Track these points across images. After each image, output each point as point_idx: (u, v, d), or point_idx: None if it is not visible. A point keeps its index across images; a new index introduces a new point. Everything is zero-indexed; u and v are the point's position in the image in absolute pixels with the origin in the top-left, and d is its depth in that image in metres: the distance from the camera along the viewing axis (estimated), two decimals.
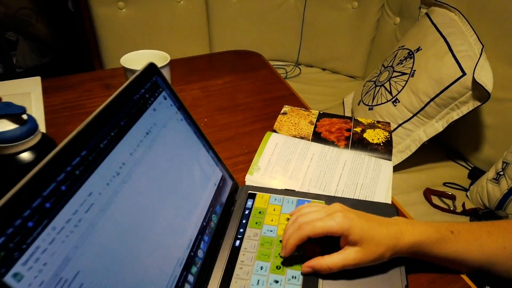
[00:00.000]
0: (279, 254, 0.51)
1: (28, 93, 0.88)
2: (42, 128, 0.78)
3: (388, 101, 1.17)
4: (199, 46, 1.74)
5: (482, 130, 1.17)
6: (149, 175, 0.44)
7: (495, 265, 0.50)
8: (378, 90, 1.23)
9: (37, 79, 0.94)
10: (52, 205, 0.32)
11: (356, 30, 1.67)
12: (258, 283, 0.49)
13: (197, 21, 1.69)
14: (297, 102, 0.92)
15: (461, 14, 1.13)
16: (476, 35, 1.06)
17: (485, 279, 0.53)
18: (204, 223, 0.52)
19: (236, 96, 0.93)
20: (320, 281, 0.48)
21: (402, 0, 1.47)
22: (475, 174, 1.16)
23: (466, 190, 1.13)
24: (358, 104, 1.32)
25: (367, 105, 1.25)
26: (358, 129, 0.76)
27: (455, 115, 1.06)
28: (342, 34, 1.70)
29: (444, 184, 1.15)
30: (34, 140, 0.44)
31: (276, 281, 0.49)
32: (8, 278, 0.28)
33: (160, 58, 0.81)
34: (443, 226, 0.50)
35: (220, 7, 1.69)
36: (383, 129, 0.77)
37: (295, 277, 0.49)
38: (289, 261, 0.51)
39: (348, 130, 0.76)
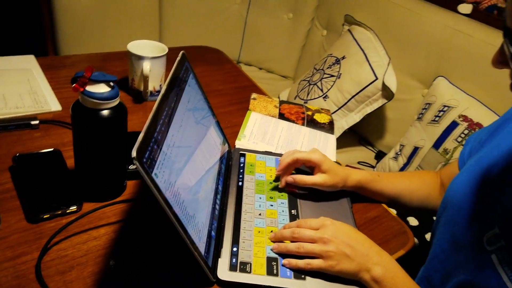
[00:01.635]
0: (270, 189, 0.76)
1: (29, 69, 0.99)
2: (55, 100, 0.92)
3: (319, 96, 1.49)
4: (149, 36, 1.89)
5: (385, 122, 1.55)
6: (195, 126, 0.65)
7: (403, 197, 0.81)
8: (312, 88, 1.54)
9: (32, 57, 1.05)
10: (161, 136, 0.53)
11: (290, 37, 1.97)
12: (260, 206, 0.73)
13: (150, 12, 1.84)
14: (259, 91, 1.17)
15: (375, 33, 1.49)
16: (385, 50, 1.43)
17: (401, 209, 0.83)
18: (219, 168, 0.75)
19: (211, 83, 1.15)
20: (299, 201, 0.74)
21: (329, 16, 1.81)
22: (380, 155, 1.53)
23: (373, 167, 1.50)
24: (294, 99, 1.62)
25: (302, 99, 1.55)
26: (310, 113, 1.04)
27: (369, 109, 1.41)
28: (278, 40, 1.99)
29: (358, 162, 1.51)
30: (116, 101, 0.62)
31: (271, 205, 0.73)
32: (153, 175, 0.49)
33: (159, 48, 0.99)
34: (374, 172, 0.79)
35: (172, 2, 1.86)
36: (326, 114, 1.06)
37: (283, 203, 0.74)
38: (278, 191, 0.76)
39: (303, 113, 1.04)
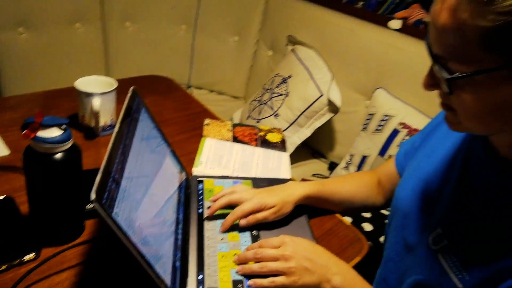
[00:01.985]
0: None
1: None
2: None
3: (271, 115, 1.54)
4: (96, 69, 1.87)
5: (334, 134, 1.63)
6: (150, 159, 0.67)
7: (347, 200, 0.86)
8: (263, 107, 1.59)
9: None
10: (118, 174, 0.54)
11: (237, 59, 2.03)
12: (221, 231, 0.75)
13: (94, 47, 1.83)
14: (211, 115, 1.20)
15: (317, 51, 1.58)
16: (327, 66, 1.51)
17: (347, 211, 0.89)
18: (179, 197, 0.76)
19: (163, 113, 1.16)
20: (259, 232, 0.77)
21: (273, 37, 1.89)
22: (333, 166, 1.60)
23: (327, 177, 1.56)
24: (247, 119, 1.66)
25: (255, 119, 1.60)
26: (262, 133, 1.09)
27: (318, 124, 1.48)
28: (226, 62, 2.04)
29: (313, 175, 1.57)
30: (69, 143, 0.63)
31: (233, 229, 0.76)
32: (114, 215, 0.50)
33: (107, 83, 1.00)
34: (317, 182, 0.84)
35: (116, 35, 1.86)
36: (278, 133, 1.11)
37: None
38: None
39: (255, 134, 1.08)
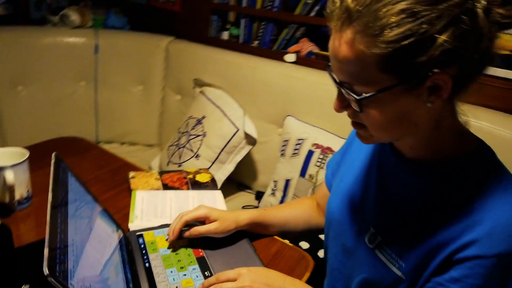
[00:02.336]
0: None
1: None
2: None
3: (192, 157, 1.56)
4: None
5: (255, 164, 1.70)
6: (85, 223, 0.65)
7: (290, 224, 0.92)
8: (182, 151, 1.60)
9: None
10: (64, 243, 0.52)
11: (145, 107, 2.02)
12: (174, 280, 0.74)
13: None
14: (133, 167, 1.18)
15: (224, 90, 1.66)
16: (237, 103, 1.59)
17: (291, 235, 0.94)
18: (121, 256, 0.74)
19: (83, 173, 1.11)
20: (208, 261, 0.78)
21: (178, 82, 1.93)
22: (259, 195, 1.66)
23: (257, 207, 1.61)
24: (168, 165, 1.65)
25: (176, 164, 1.60)
26: (191, 176, 1.10)
27: (239, 157, 1.54)
28: (134, 112, 2.02)
29: (243, 207, 1.60)
30: None
31: (184, 274, 0.75)
32: (70, 286, 0.48)
33: (16, 154, 0.93)
34: (260, 209, 0.89)
35: (9, 100, 1.74)
36: (205, 173, 1.13)
37: (194, 268, 0.77)
38: (186, 259, 0.78)
39: (184, 178, 1.09)
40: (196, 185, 1.06)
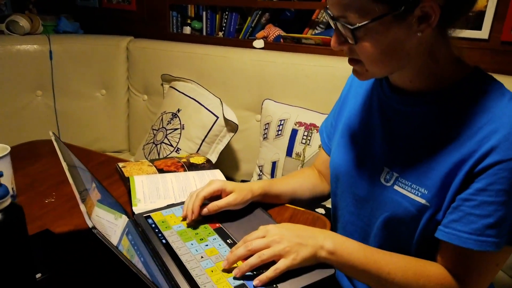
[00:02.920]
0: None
1: None
2: None
3: (172, 152, 1.50)
4: None
5: (237, 154, 1.68)
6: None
7: (297, 192, 0.91)
8: (160, 147, 1.54)
9: None
10: None
11: (110, 112, 1.93)
12: (197, 251, 0.70)
13: None
14: (119, 160, 1.11)
15: (196, 82, 1.63)
16: (212, 94, 1.57)
17: (299, 204, 0.93)
18: (130, 242, 0.69)
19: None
20: (226, 231, 0.75)
21: (144, 81, 1.86)
22: None
23: None
24: None
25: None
26: (185, 159, 1.06)
27: (221, 146, 1.51)
28: (99, 118, 1.92)
29: None
30: (5, 203, 0.51)
31: (206, 245, 0.72)
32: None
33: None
34: (267, 179, 0.87)
35: None
36: (198, 156, 1.10)
37: (215, 239, 0.73)
38: (204, 232, 0.75)
39: (178, 162, 1.04)
40: (192, 167, 1.02)
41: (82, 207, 0.42)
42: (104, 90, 1.93)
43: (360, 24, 0.58)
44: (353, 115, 0.82)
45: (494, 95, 0.63)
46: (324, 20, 1.62)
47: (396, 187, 0.69)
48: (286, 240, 0.65)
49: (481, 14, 1.29)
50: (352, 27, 0.58)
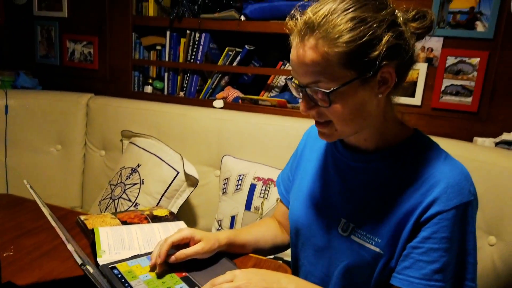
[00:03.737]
0: None
1: None
2: None
3: (130, 207, 1.50)
4: None
5: (195, 209, 1.69)
6: None
7: (260, 242, 0.95)
8: (118, 202, 1.53)
9: None
10: None
11: (65, 167, 1.90)
12: None
13: None
14: (79, 213, 1.10)
15: (156, 138, 1.67)
16: (172, 149, 1.61)
17: (262, 253, 0.96)
18: None
19: (23, 224, 1.01)
20: (193, 279, 0.77)
21: (102, 137, 1.87)
22: None
23: None
24: None
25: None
26: (148, 212, 1.07)
27: (181, 201, 1.53)
28: (52, 174, 1.88)
29: None
30: None
31: None
32: None
33: None
34: (232, 229, 0.91)
35: None
36: (161, 208, 1.12)
37: (182, 286, 0.75)
38: (171, 281, 0.76)
39: (142, 214, 1.06)
40: (156, 219, 1.04)
41: (70, 246, 0.44)
42: (60, 145, 1.91)
43: (334, 88, 0.65)
44: (310, 170, 0.89)
45: (433, 154, 0.73)
46: (279, 84, 1.77)
47: (352, 237, 0.76)
48: (253, 285, 0.68)
49: (414, 84, 1.50)
50: (328, 91, 0.65)
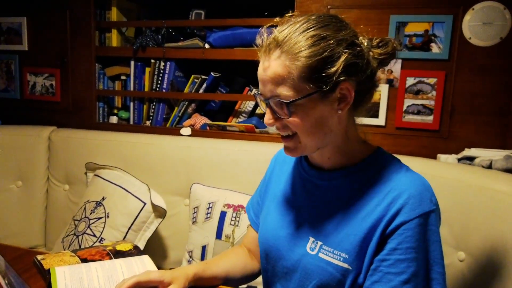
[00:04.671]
0: None
1: None
2: None
3: (95, 242, 1.43)
4: None
5: (163, 241, 1.63)
6: None
7: (231, 273, 0.92)
8: (82, 238, 1.46)
9: None
10: None
11: (26, 204, 1.81)
12: None
13: None
14: (36, 253, 1.04)
15: (122, 169, 1.62)
16: (139, 180, 1.57)
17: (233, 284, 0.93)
18: None
19: None
20: None
21: (66, 171, 1.80)
22: None
23: None
24: None
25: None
26: (110, 247, 1.02)
27: (148, 233, 1.47)
28: (13, 212, 1.78)
29: None
30: None
31: None
32: None
33: None
34: (200, 262, 0.88)
35: None
36: (124, 243, 1.07)
37: None
38: None
39: (104, 250, 1.00)
40: (119, 254, 0.99)
41: None
42: (20, 182, 1.82)
43: (292, 100, 0.68)
44: (278, 192, 0.89)
45: (394, 168, 0.75)
46: (246, 109, 1.77)
47: (320, 255, 0.75)
48: None
49: (377, 104, 1.53)
50: (287, 101, 0.69)
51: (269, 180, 0.96)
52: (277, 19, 0.75)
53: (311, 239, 0.78)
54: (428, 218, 0.69)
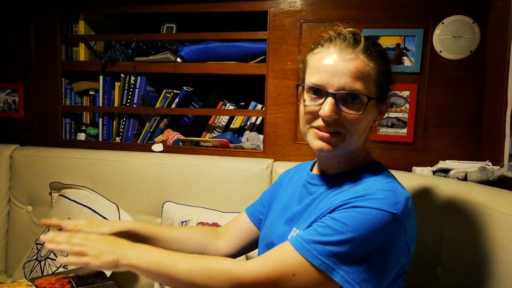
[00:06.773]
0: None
1: None
2: None
3: (58, 268, 1.33)
4: None
5: None
6: None
7: (179, 241, 0.93)
8: (45, 263, 1.36)
9: None
10: None
11: None
12: None
13: None
14: None
15: (90, 189, 1.54)
16: (107, 199, 1.49)
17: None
18: None
19: None
20: None
21: (29, 191, 1.70)
22: None
23: None
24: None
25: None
26: (72, 274, 0.94)
27: None
28: None
29: None
30: None
31: None
32: None
33: None
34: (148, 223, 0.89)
35: None
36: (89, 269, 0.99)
37: None
38: None
39: (64, 277, 0.93)
40: (82, 280, 0.92)
41: None
42: None
43: (372, 97, 0.74)
44: (284, 200, 0.91)
45: (380, 176, 0.77)
46: (220, 124, 1.73)
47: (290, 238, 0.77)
48: (91, 245, 0.79)
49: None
50: (370, 97, 0.73)
51: (275, 191, 0.98)
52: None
53: (295, 229, 0.80)
54: (382, 217, 0.67)
